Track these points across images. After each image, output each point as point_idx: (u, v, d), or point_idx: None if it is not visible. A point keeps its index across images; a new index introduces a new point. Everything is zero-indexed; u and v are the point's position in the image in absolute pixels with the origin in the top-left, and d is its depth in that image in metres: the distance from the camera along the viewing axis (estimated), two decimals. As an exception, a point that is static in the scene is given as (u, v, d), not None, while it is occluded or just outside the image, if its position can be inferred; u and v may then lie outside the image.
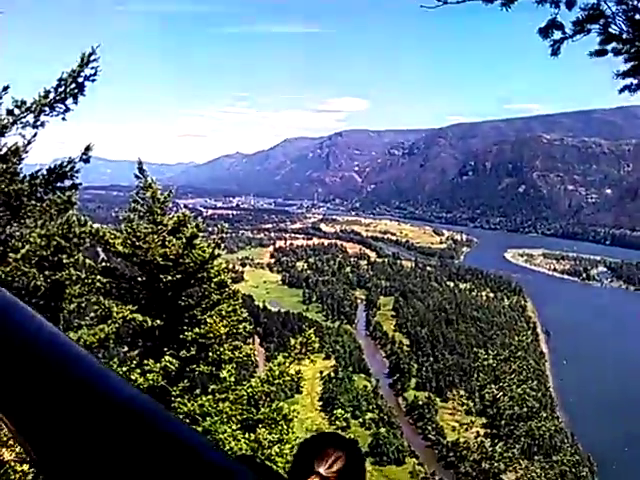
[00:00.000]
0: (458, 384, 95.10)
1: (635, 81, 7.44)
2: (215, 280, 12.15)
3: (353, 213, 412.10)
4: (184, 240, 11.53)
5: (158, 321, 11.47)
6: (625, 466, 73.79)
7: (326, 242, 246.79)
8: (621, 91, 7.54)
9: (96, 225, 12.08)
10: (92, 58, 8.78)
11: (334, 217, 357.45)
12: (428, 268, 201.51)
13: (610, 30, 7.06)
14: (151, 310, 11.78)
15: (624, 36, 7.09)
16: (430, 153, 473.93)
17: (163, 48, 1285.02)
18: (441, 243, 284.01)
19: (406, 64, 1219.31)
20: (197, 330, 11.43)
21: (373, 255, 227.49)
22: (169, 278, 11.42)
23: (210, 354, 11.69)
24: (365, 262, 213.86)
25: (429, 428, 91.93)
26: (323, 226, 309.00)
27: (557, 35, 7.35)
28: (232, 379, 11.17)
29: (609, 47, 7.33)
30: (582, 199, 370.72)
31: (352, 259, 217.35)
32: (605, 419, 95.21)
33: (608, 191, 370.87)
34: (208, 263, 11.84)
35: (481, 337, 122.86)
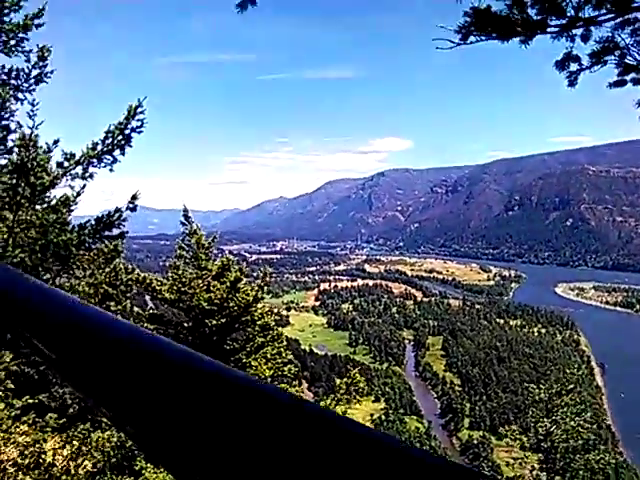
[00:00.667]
0: (512, 421, 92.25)
1: None
2: (259, 323, 12.15)
3: (397, 253, 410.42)
4: (228, 284, 11.62)
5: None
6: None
7: (371, 283, 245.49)
8: None
9: (143, 274, 12.32)
10: (138, 110, 9.13)
11: (378, 257, 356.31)
12: (477, 306, 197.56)
13: (626, 61, 7.00)
14: (197, 355, 11.80)
15: None
16: (474, 190, 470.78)
17: (207, 98, 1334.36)
18: (489, 280, 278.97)
19: (447, 103, 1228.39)
20: (243, 374, 11.37)
21: (419, 294, 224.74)
22: (214, 322, 11.49)
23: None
24: (411, 302, 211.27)
25: (484, 466, 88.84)
26: (367, 267, 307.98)
27: (574, 67, 7.34)
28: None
29: (628, 77, 7.27)
30: (632, 230, 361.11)
31: (398, 299, 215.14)
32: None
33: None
34: (252, 306, 11.87)
35: (534, 373, 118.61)
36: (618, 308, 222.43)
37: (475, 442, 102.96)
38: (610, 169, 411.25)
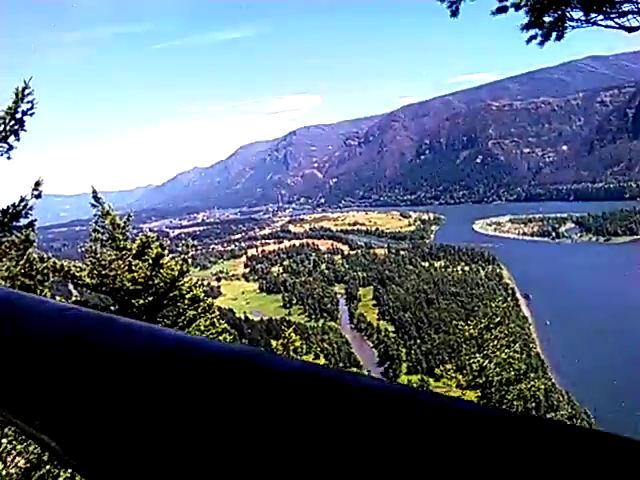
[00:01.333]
0: (448, 361, 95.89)
1: (539, 32, 7.66)
2: (188, 296, 12.07)
3: (320, 210, 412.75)
4: (150, 262, 11.44)
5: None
6: (622, 418, 74.73)
7: (297, 243, 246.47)
8: (528, 42, 7.77)
9: (60, 261, 11.90)
10: (27, 92, 8.67)
11: (301, 217, 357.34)
12: (401, 252, 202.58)
13: None
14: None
15: None
16: (385, 138, 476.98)
17: (100, 73, 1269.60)
18: (410, 225, 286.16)
19: (349, 53, 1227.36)
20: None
21: (346, 248, 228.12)
22: (141, 302, 11.33)
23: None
24: (339, 256, 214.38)
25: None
26: (292, 227, 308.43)
27: None
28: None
29: (509, 3, 7.54)
30: (540, 160, 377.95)
31: (326, 255, 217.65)
32: (596, 374, 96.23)
33: (564, 148, 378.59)
34: (178, 281, 11.77)
35: (463, 311, 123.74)
36: (535, 238, 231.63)
37: (415, 386, 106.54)
38: (513, 102, 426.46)
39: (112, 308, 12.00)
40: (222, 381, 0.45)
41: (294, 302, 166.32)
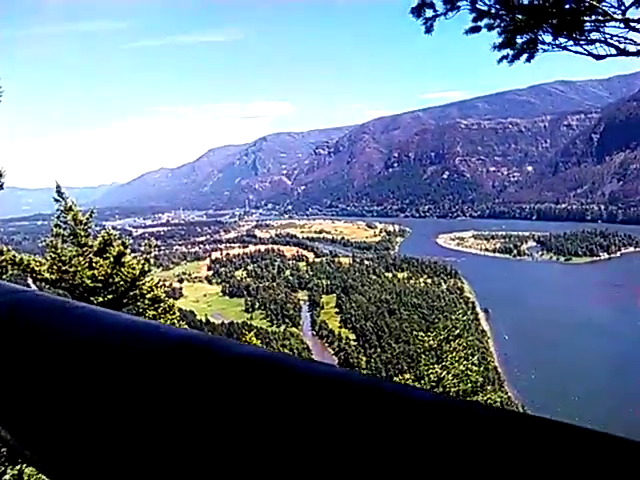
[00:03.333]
0: (407, 371, 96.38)
1: (511, 52, 7.90)
2: (148, 296, 11.97)
3: (286, 216, 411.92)
4: (111, 259, 11.31)
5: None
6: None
7: (263, 248, 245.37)
8: (499, 61, 8.01)
9: (20, 255, 11.66)
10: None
11: (268, 222, 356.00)
12: (366, 262, 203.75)
13: (478, 6, 7.45)
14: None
15: (492, 11, 7.49)
16: (355, 149, 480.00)
17: (70, 68, 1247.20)
18: (375, 236, 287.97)
19: (322, 65, 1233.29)
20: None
21: (311, 256, 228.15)
22: (100, 299, 11.19)
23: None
24: (304, 263, 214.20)
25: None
26: (258, 232, 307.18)
27: (429, 13, 7.72)
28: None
29: (482, 23, 7.74)
30: (505, 179, 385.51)
31: (290, 262, 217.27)
32: (551, 389, 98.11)
33: (529, 168, 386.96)
34: (139, 280, 11.65)
35: (424, 322, 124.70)
36: (497, 254, 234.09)
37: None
38: (481, 122, 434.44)
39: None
40: (167, 368, 0.45)
41: (257, 307, 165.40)
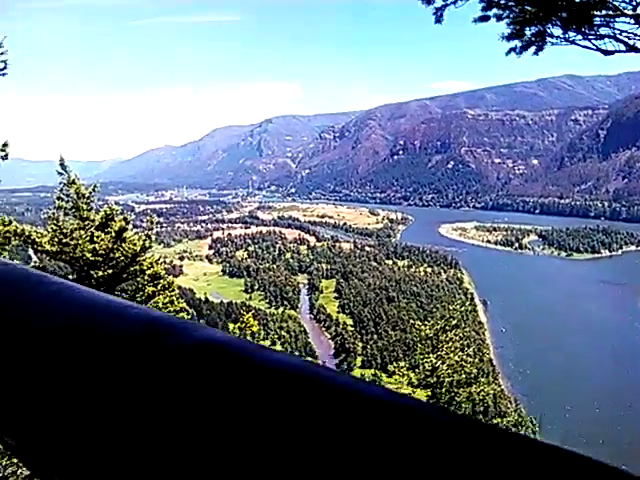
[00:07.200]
0: (402, 359, 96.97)
1: (520, 43, 7.87)
2: (148, 272, 12.03)
3: (289, 199, 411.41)
4: (113, 234, 11.36)
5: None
6: (567, 427, 76.68)
7: (264, 230, 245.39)
8: (507, 53, 7.98)
9: (22, 226, 11.73)
10: (0, 51, 8.51)
11: (270, 204, 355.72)
12: (367, 248, 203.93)
13: None
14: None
15: (502, 2, 7.46)
16: (361, 135, 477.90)
17: (82, 43, 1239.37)
18: (377, 223, 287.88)
19: (333, 50, 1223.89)
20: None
21: (312, 239, 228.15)
22: (100, 274, 11.26)
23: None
24: (305, 247, 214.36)
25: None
26: (260, 214, 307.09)
27: (439, 2, 7.69)
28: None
29: (491, 13, 7.70)
30: (510, 171, 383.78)
31: (292, 245, 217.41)
32: (546, 384, 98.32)
33: (535, 162, 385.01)
34: (139, 256, 11.72)
35: (421, 311, 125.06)
36: (498, 247, 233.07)
37: (367, 380, 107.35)
38: (488, 112, 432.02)
39: (70, 277, 11.88)
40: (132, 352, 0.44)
41: (256, 288, 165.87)
